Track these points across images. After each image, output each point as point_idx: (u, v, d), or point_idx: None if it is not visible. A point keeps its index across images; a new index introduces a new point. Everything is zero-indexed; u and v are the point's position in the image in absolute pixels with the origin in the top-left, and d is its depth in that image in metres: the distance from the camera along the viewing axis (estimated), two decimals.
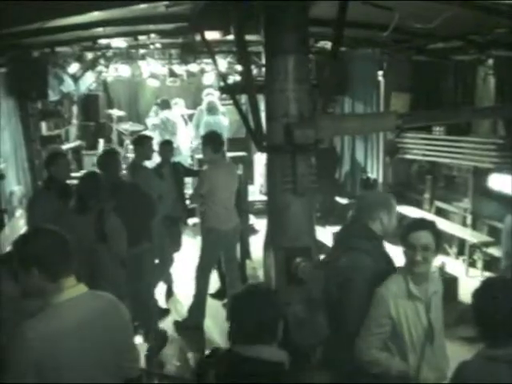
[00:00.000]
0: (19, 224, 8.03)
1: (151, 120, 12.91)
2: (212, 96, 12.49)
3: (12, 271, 3.17)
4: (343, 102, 10.77)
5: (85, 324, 2.72)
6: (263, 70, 5.50)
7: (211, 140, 6.81)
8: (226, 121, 12.29)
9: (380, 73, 9.30)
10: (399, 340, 3.63)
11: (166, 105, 12.68)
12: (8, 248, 6.73)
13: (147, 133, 11.06)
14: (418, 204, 9.61)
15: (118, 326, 2.90)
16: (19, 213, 8.32)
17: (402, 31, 6.43)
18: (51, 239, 2.69)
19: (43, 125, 10.52)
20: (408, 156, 9.38)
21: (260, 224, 8.98)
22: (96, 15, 5.79)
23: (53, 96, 9.71)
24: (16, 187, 8.81)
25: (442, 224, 8.21)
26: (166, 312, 7.20)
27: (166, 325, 6.84)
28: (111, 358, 2.85)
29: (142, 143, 7.28)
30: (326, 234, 9.53)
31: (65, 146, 10.89)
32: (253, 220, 9.55)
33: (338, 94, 10.31)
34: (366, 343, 3.63)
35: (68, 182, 6.18)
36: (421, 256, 3.55)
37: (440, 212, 9.44)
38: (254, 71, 10.60)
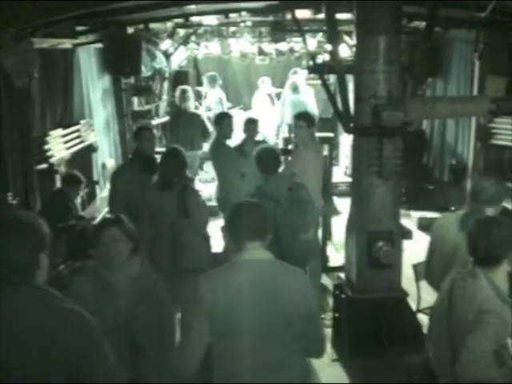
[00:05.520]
0: None
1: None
2: (297, 75, 12.41)
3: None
4: (435, 85, 10.47)
5: (257, 286, 2.89)
6: (353, 49, 5.43)
7: (304, 121, 6.78)
8: (311, 100, 12.20)
9: (475, 55, 8.96)
10: None
11: (211, 82, 12.65)
12: (99, 216, 7.04)
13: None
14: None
15: (295, 301, 2.93)
16: None
17: (500, 12, 6.16)
18: None
19: (135, 100, 10.82)
20: (501, 142, 9.02)
21: (342, 205, 8.91)
22: None
23: (145, 72, 9.95)
24: (108, 160, 9.14)
25: None
26: None
27: None
28: (284, 331, 2.92)
29: (219, 122, 7.34)
30: (410, 220, 9.37)
31: (154, 122, 11.16)
32: (336, 201, 9.49)
33: (430, 76, 10.02)
34: None
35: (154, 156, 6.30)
36: None
37: None
38: (345, 51, 10.47)
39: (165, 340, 3.46)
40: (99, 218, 7.05)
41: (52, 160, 6.85)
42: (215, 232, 7.12)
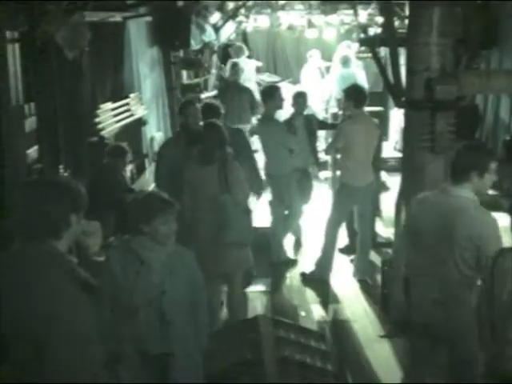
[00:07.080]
0: None
1: None
2: (348, 48, 12.19)
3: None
4: (490, 58, 10.15)
5: (443, 213, 3.66)
6: (406, 21, 5.29)
7: (354, 95, 6.68)
8: (361, 74, 11.99)
9: None
10: None
11: (237, 52, 12.43)
12: (149, 189, 7.11)
13: None
14: None
15: (473, 230, 3.53)
16: None
17: None
18: None
19: (184, 73, 10.84)
20: None
21: (392, 181, 8.79)
22: None
23: (194, 45, 9.94)
24: (156, 133, 9.21)
25: None
26: (293, 262, 7.30)
27: (293, 275, 6.96)
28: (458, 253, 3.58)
29: (270, 95, 7.23)
30: None
31: (203, 95, 11.16)
32: (385, 177, 9.36)
33: (486, 48, 9.71)
34: None
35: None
36: None
37: None
38: (396, 23, 10.23)
39: (197, 316, 3.49)
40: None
41: (102, 133, 6.94)
42: (261, 206, 7.19)
